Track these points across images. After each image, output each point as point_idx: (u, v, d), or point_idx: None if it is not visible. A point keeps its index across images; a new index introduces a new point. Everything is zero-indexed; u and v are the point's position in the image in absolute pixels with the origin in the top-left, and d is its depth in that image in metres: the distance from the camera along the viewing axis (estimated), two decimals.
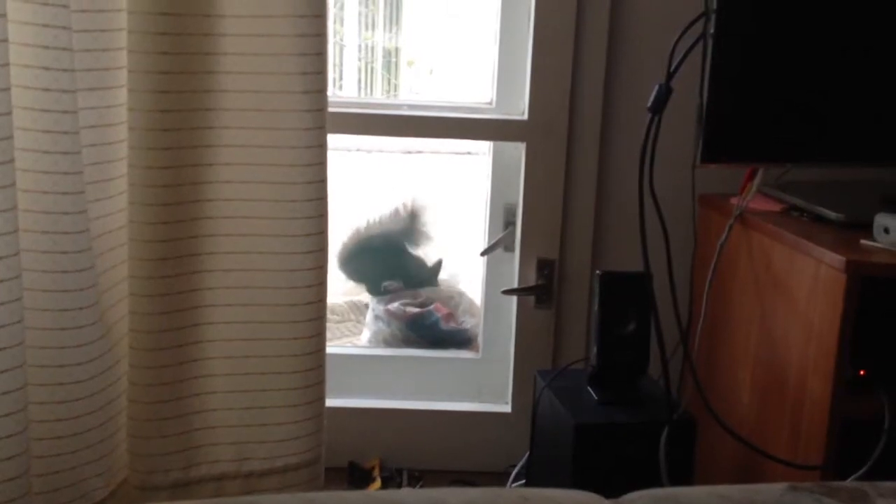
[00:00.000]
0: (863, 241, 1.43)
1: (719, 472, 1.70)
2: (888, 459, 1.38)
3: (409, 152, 5.34)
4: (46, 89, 1.30)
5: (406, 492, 0.79)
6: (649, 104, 1.49)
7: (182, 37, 1.43)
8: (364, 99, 4.92)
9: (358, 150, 4.85)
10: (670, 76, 1.49)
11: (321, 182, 1.51)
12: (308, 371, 1.56)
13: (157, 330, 1.49)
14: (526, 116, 1.83)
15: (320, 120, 1.49)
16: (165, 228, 1.47)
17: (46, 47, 1.29)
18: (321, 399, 1.59)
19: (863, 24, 1.55)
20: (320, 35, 1.47)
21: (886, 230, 1.41)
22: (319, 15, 1.46)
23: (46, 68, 1.30)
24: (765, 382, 1.57)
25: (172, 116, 1.44)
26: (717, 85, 1.48)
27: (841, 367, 1.38)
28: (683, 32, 1.48)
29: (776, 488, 0.75)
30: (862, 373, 1.41)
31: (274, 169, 1.50)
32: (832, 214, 1.54)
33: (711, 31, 1.46)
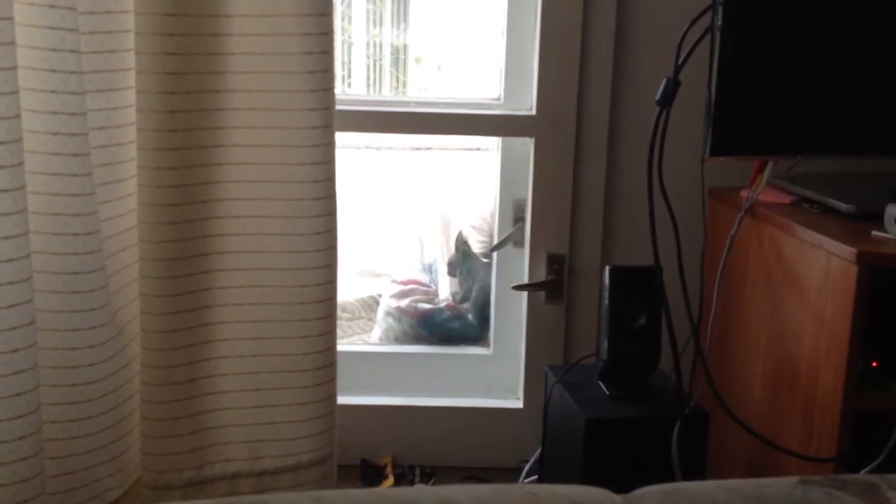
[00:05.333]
0: (874, 233, 1.42)
1: (731, 466, 1.69)
2: None
3: (418, 149, 5.33)
4: (55, 91, 1.31)
5: (416, 489, 0.79)
6: (657, 98, 1.49)
7: (189, 37, 1.43)
8: (373, 97, 4.91)
9: (367, 147, 4.85)
10: (678, 69, 1.48)
11: (329, 180, 1.52)
12: (319, 369, 1.57)
13: (169, 330, 1.49)
14: (534, 112, 1.83)
15: (328, 118, 1.50)
16: (175, 229, 1.47)
17: (54, 50, 1.30)
18: (332, 397, 1.60)
19: (872, 16, 1.54)
20: (326, 33, 1.47)
21: None
22: (325, 13, 1.46)
23: (54, 71, 1.30)
24: (776, 375, 1.57)
25: (180, 117, 1.45)
26: (725, 78, 1.47)
27: (853, 359, 1.38)
28: (691, 25, 1.48)
29: (786, 482, 0.75)
30: (874, 364, 1.41)
31: (282, 168, 1.50)
32: (843, 206, 1.53)
33: (719, 23, 1.46)
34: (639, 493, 0.79)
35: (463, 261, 2.39)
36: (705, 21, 1.48)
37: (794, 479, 0.76)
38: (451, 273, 2.41)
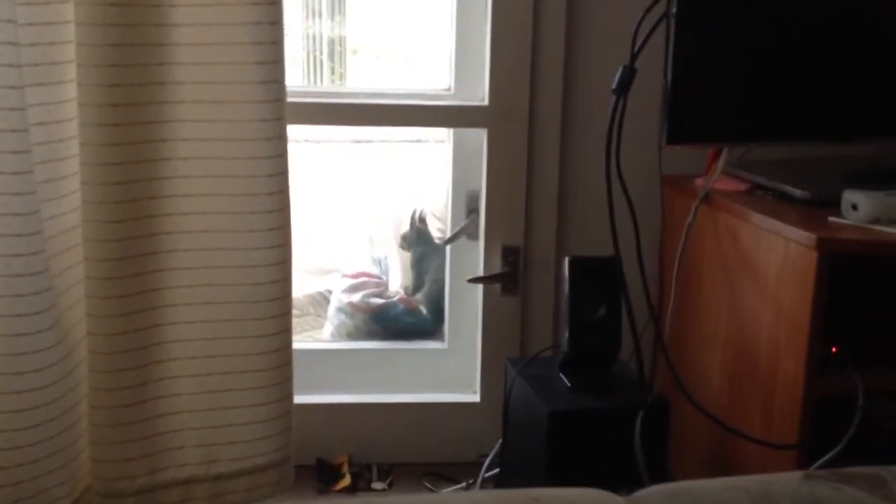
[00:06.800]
0: (831, 219, 1.43)
1: (692, 455, 1.70)
2: (861, 437, 1.39)
3: (359, 141, 5.28)
4: None
5: (418, 498, 0.76)
6: (614, 86, 1.48)
7: (132, 27, 1.38)
8: (319, 88, 4.85)
9: (306, 140, 4.79)
10: (634, 57, 1.47)
11: (282, 174, 1.48)
12: (274, 369, 1.53)
13: (117, 332, 1.44)
14: (486, 102, 1.81)
15: (279, 111, 1.46)
16: (121, 227, 1.42)
17: None
18: (289, 397, 1.56)
19: (826, 3, 1.55)
20: (276, 23, 1.43)
21: (855, 206, 1.41)
22: (274, 2, 1.42)
23: None
24: (736, 363, 1.57)
25: (125, 111, 1.40)
26: (681, 65, 1.47)
27: (813, 345, 1.38)
28: (646, 12, 1.46)
29: (791, 477, 0.74)
30: (834, 350, 1.41)
31: (233, 162, 1.46)
32: (797, 192, 1.54)
33: (674, 10, 1.45)
34: (643, 493, 0.77)
35: (417, 241, 2.35)
36: (659, 9, 1.47)
37: (799, 474, 0.75)
38: (404, 247, 2.36)
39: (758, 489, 0.69)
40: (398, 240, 2.44)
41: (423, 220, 2.37)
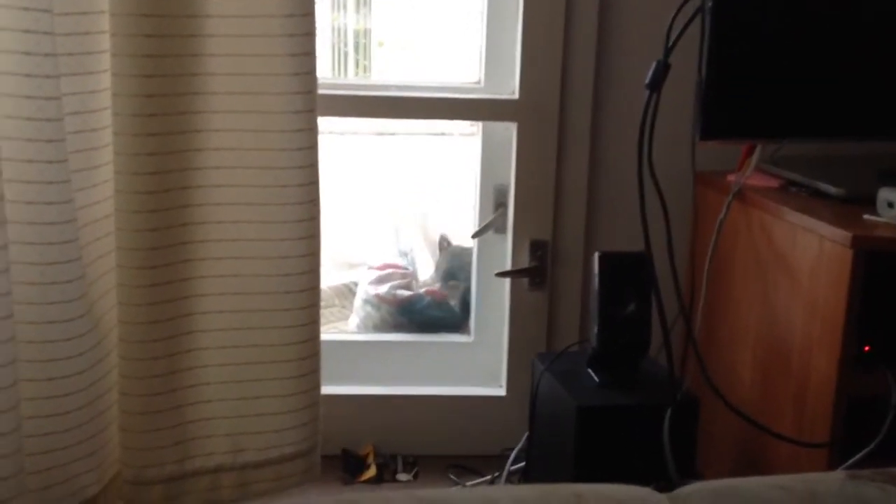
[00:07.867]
0: (866, 216, 1.42)
1: (721, 451, 1.69)
2: (893, 435, 1.38)
3: (382, 134, 5.28)
4: (28, 75, 1.26)
5: (455, 490, 0.76)
6: (647, 81, 1.47)
7: (166, 18, 1.38)
8: (351, 80, 4.85)
9: (330, 132, 4.79)
10: (668, 51, 1.46)
11: (312, 166, 1.48)
12: (303, 359, 1.53)
13: (148, 321, 1.45)
14: (517, 96, 1.80)
15: (310, 102, 1.46)
16: (153, 217, 1.43)
17: (27, 31, 1.24)
18: (317, 388, 1.56)
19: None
20: (309, 15, 1.43)
21: (891, 204, 1.40)
22: None
23: (28, 53, 1.25)
24: (767, 360, 1.56)
25: (158, 101, 1.40)
26: (716, 60, 1.46)
27: (847, 343, 1.37)
28: (681, 6, 1.45)
29: (835, 477, 0.74)
30: (867, 349, 1.40)
31: (264, 153, 1.46)
32: (832, 189, 1.53)
33: (709, 5, 1.44)
34: (685, 490, 0.76)
35: (451, 261, 2.36)
36: (694, 3, 1.46)
37: (842, 474, 0.75)
38: (441, 279, 2.38)
39: (803, 489, 0.69)
40: (421, 251, 2.44)
41: (449, 243, 2.39)
